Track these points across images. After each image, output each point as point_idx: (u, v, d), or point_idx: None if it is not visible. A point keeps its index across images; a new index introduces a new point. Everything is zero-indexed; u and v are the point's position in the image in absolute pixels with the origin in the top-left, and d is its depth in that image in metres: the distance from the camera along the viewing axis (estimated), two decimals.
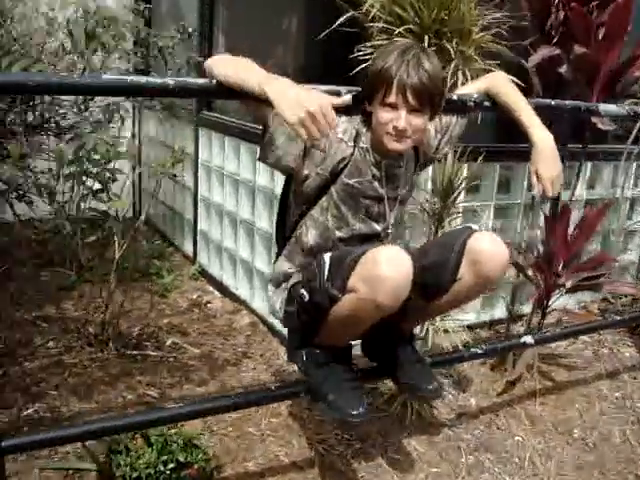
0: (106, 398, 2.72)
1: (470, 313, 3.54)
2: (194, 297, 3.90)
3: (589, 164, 3.59)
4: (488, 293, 2.02)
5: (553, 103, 2.18)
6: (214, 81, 1.60)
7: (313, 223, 1.88)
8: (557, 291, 2.80)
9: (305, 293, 1.79)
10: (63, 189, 3.86)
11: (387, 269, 1.59)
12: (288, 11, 3.24)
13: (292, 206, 1.93)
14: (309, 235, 1.89)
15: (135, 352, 3.15)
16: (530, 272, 2.81)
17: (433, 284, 1.83)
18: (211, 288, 4.00)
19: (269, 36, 3.45)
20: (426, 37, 2.19)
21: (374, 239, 1.92)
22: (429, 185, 2.63)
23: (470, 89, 2.04)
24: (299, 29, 3.13)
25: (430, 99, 1.72)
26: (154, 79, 1.54)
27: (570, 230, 2.75)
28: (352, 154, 1.82)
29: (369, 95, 1.75)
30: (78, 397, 2.71)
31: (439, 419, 2.74)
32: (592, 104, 2.28)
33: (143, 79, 1.52)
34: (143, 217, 3.23)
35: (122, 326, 3.36)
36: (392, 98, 1.70)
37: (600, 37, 2.50)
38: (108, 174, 3.80)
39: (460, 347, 2.56)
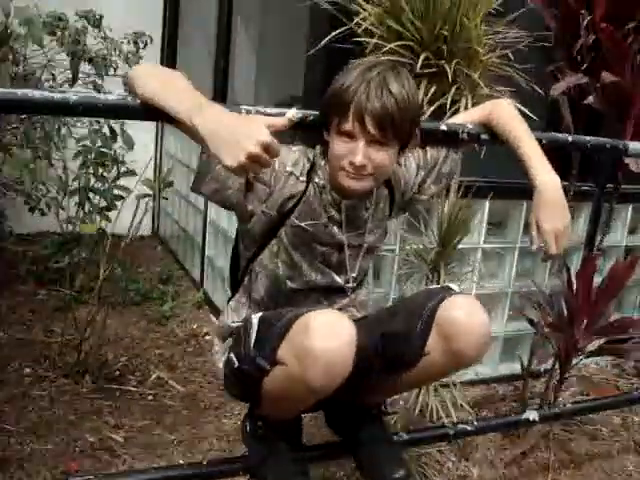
0: (66, 440, 2.48)
1: (487, 365, 3.19)
2: (193, 327, 3.64)
3: (630, 207, 3.20)
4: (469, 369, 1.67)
5: (570, 139, 1.84)
6: (130, 98, 1.34)
7: (263, 270, 1.59)
8: (577, 355, 2.42)
9: (234, 359, 1.50)
10: (68, 204, 3.72)
11: (320, 341, 1.29)
12: (273, 22, 2.97)
13: (241, 248, 1.65)
14: (259, 284, 1.61)
15: (114, 386, 2.91)
16: (548, 330, 2.45)
17: (396, 357, 1.52)
18: (213, 318, 3.75)
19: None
20: (422, 56, 1.88)
21: (336, 293, 1.62)
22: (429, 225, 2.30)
23: (465, 118, 1.73)
24: (290, 42, 2.86)
25: (396, 129, 1.42)
26: (51, 93, 1.28)
27: (597, 283, 2.39)
28: (304, 191, 1.53)
29: (326, 121, 1.47)
30: (35, 436, 2.48)
31: None
32: (619, 142, 1.93)
33: (37, 93, 1.26)
34: (129, 239, 2.99)
35: (109, 355, 3.14)
36: (348, 126, 1.41)
37: (636, 65, 2.14)
38: (116, 191, 3.63)
39: (452, 414, 2.22)
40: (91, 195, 3.61)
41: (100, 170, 3.59)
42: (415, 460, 2.47)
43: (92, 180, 3.57)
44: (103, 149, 3.53)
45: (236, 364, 1.49)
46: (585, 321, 2.34)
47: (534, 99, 2.06)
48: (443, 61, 1.90)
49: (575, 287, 2.35)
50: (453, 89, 1.90)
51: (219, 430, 2.67)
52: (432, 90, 1.88)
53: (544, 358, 2.39)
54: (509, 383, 3.17)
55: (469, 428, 1.88)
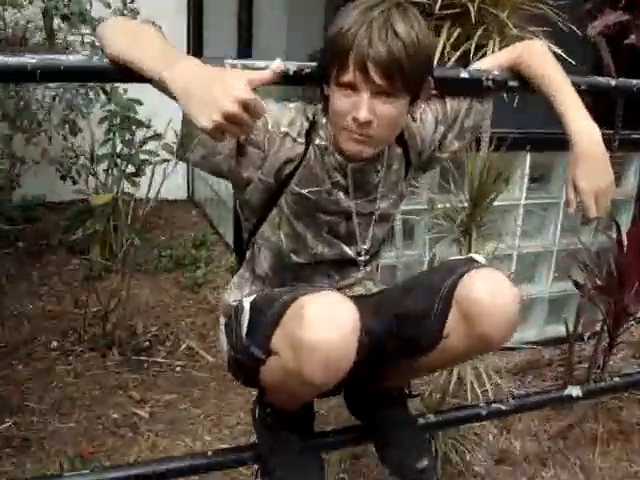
0: (88, 417, 2.41)
1: (532, 328, 3.00)
2: None
3: None
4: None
5: (613, 83, 1.62)
6: (96, 58, 1.19)
7: (265, 243, 1.44)
8: (627, 320, 2.22)
9: (229, 347, 1.36)
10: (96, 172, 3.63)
11: (315, 331, 1.13)
12: None
13: (242, 220, 1.50)
14: (262, 258, 1.46)
15: (142, 357, 2.83)
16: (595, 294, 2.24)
17: (412, 340, 1.35)
18: None
19: None
20: None
21: (349, 267, 1.46)
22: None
23: (492, 62, 1.52)
24: None
25: (405, 77, 1.22)
26: (5, 57, 1.14)
27: None
28: (304, 154, 1.35)
29: (325, 73, 1.29)
30: (59, 414, 2.42)
31: (472, 467, 2.26)
32: None
33: None
34: (152, 203, 2.86)
35: (139, 325, 3.06)
36: (349, 76, 1.23)
37: None
38: (144, 156, 3.51)
39: (487, 386, 2.05)
40: (118, 161, 3.53)
41: (127, 135, 3.49)
42: (452, 433, 2.32)
43: (119, 146, 3.48)
44: (128, 113, 3.42)
45: (231, 352, 1.35)
46: (636, 284, 2.12)
47: (571, 40, 1.83)
48: None
49: (625, 246, 2.13)
50: (479, 31, 1.69)
51: (248, 402, 2.56)
52: (455, 34, 1.67)
53: (590, 324, 2.20)
54: (556, 347, 2.97)
55: (504, 407, 1.71)
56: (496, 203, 1.99)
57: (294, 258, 1.42)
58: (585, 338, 2.70)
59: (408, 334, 1.35)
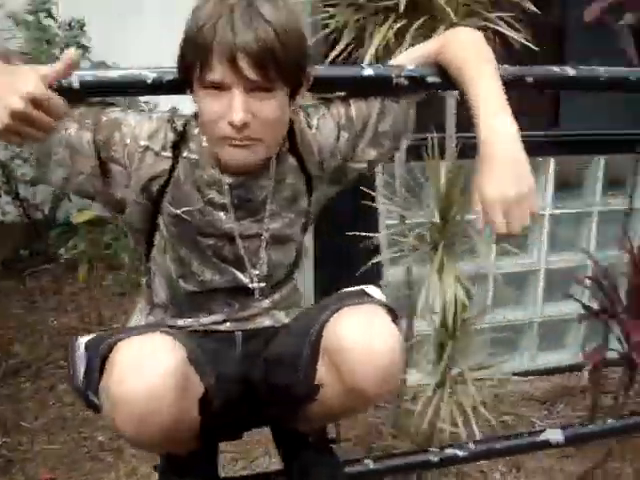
0: (76, 439, 2.36)
1: (568, 350, 2.71)
2: None
3: None
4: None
5: (573, 73, 1.36)
6: None
7: (158, 268, 1.30)
8: None
9: None
10: None
11: (121, 382, 0.99)
12: None
13: (134, 244, 1.37)
14: (157, 285, 1.32)
15: None
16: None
17: (284, 388, 1.18)
18: None
19: None
20: None
21: (247, 295, 1.29)
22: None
23: (411, 55, 1.31)
24: None
25: (281, 66, 1.06)
26: None
27: None
28: (171, 170, 1.20)
29: (185, 77, 1.12)
30: (48, 434, 2.39)
31: None
32: None
33: None
34: None
35: None
36: (215, 74, 1.06)
37: None
38: None
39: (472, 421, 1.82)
40: None
41: None
42: (452, 470, 2.10)
43: None
44: None
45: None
46: None
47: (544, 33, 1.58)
48: None
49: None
50: (419, 21, 1.46)
51: None
52: (398, 25, 1.46)
53: (596, 352, 1.91)
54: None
55: (460, 454, 1.46)
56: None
57: (183, 285, 1.28)
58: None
59: (277, 382, 1.18)
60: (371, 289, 1.20)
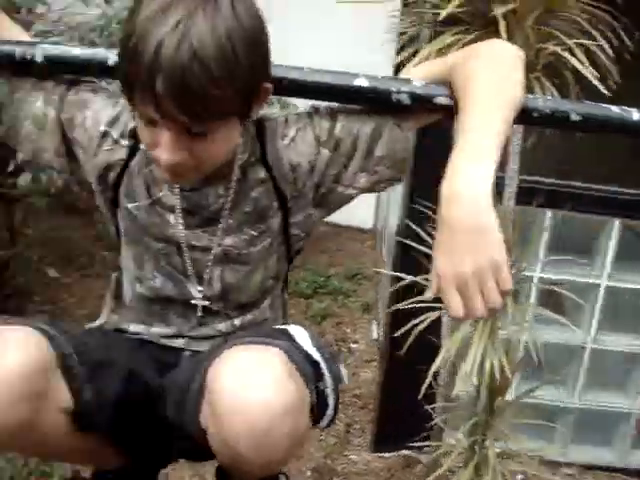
0: None
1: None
2: (347, 330, 3.29)
3: None
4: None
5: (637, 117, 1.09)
6: None
7: (124, 266, 1.22)
8: None
9: None
10: None
11: None
12: None
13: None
14: (125, 282, 1.24)
15: None
16: None
17: (175, 422, 1.06)
18: (373, 327, 3.33)
19: None
20: None
21: (188, 310, 1.17)
22: None
23: (423, 70, 1.12)
24: None
25: (216, 105, 0.90)
26: None
27: None
28: (128, 160, 1.11)
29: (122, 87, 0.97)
30: None
31: None
32: None
33: None
34: None
35: None
36: (143, 107, 0.92)
37: None
38: None
39: None
40: None
41: None
42: None
43: None
44: None
45: None
46: None
47: None
48: None
49: None
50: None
51: None
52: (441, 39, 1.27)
53: None
54: None
55: None
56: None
57: (139, 289, 1.18)
58: None
59: (168, 412, 1.05)
60: (297, 330, 1.03)
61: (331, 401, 1.02)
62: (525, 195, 1.57)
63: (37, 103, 1.11)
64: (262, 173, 1.10)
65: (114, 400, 1.03)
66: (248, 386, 0.88)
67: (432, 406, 1.71)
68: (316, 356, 1.00)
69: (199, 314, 1.15)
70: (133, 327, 1.21)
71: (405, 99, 1.06)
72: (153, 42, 0.87)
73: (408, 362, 1.81)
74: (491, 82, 0.98)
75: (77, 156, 1.13)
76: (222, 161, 1.02)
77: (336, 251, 4.13)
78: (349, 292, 3.59)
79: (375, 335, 3.20)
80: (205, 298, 1.14)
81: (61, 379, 0.97)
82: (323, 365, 1.01)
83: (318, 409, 1.00)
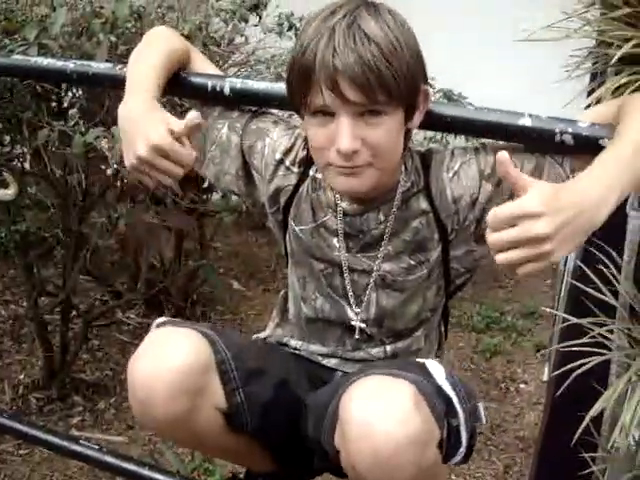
0: None
1: None
2: (517, 370, 3.18)
3: None
4: None
5: None
6: (118, 68, 1.26)
7: (290, 284, 1.32)
8: None
9: None
10: None
11: (134, 361, 1.04)
12: None
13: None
14: (290, 298, 1.33)
15: None
16: None
17: (315, 440, 1.11)
18: (545, 369, 3.20)
19: None
20: None
21: (345, 332, 1.23)
22: None
23: (595, 111, 1.10)
24: None
25: (389, 87, 0.98)
26: (52, 60, 1.29)
27: None
28: (297, 185, 1.19)
29: (293, 102, 1.09)
30: None
31: None
32: None
33: (33, 60, 1.29)
34: None
35: None
36: (320, 98, 1.01)
37: None
38: None
39: None
40: None
41: None
42: None
43: None
44: None
45: None
46: None
47: None
48: None
49: None
50: None
51: None
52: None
53: None
54: None
55: None
56: None
57: (303, 309, 1.26)
58: None
59: (310, 430, 1.10)
60: (433, 365, 1.04)
61: (464, 438, 1.03)
62: None
63: (223, 130, 1.23)
64: (424, 204, 1.14)
65: (264, 406, 1.12)
66: (375, 415, 0.92)
67: (591, 455, 1.61)
68: (449, 392, 1.02)
69: (356, 336, 1.20)
70: (294, 342, 1.29)
71: (569, 140, 1.06)
72: (325, 33, 0.98)
73: (573, 406, 1.73)
74: None
75: (254, 180, 1.24)
76: (390, 161, 1.07)
77: (514, 286, 4.03)
78: (523, 330, 3.49)
79: (546, 377, 3.07)
80: (362, 321, 1.19)
81: (217, 380, 1.07)
82: (456, 401, 1.02)
83: (450, 445, 1.01)
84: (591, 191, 0.88)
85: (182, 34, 1.49)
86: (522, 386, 3.08)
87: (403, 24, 1.02)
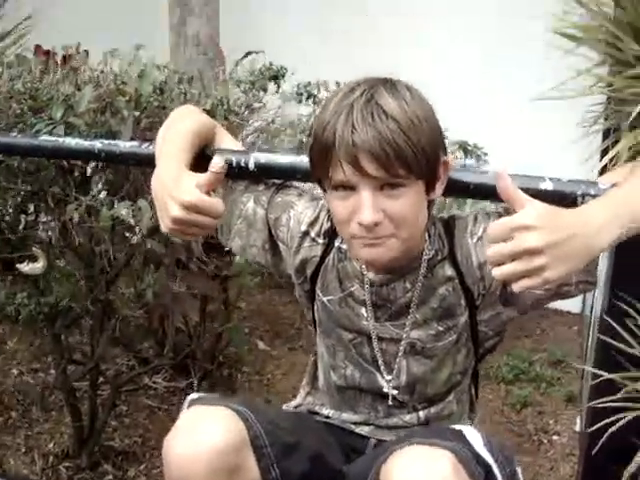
0: None
1: None
2: (549, 422, 3.13)
3: None
4: None
5: None
6: (144, 146, 1.30)
7: (319, 352, 1.33)
8: None
9: None
10: None
11: (168, 442, 1.04)
12: None
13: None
14: (319, 366, 1.34)
15: None
16: None
17: None
18: (577, 421, 3.14)
19: None
20: None
21: (377, 399, 1.23)
22: None
23: (614, 172, 1.12)
24: None
25: (407, 162, 1.01)
26: (79, 140, 1.33)
27: None
28: (323, 256, 1.21)
29: (317, 175, 1.13)
30: None
31: None
32: None
33: (61, 140, 1.34)
34: None
35: None
36: (341, 174, 1.05)
37: None
38: None
39: None
40: None
41: None
42: None
43: None
44: None
45: None
46: None
47: None
48: None
49: None
50: None
51: None
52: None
53: None
54: None
55: None
56: None
57: (333, 376, 1.27)
58: None
59: None
60: (470, 431, 1.04)
61: None
62: None
63: (249, 204, 1.26)
64: (450, 271, 1.15)
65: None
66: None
67: None
68: (488, 459, 1.02)
69: (389, 403, 1.20)
70: (325, 411, 1.29)
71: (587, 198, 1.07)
72: (344, 110, 1.02)
73: (608, 460, 1.70)
74: None
75: (280, 252, 1.26)
76: (413, 232, 1.09)
77: (541, 334, 3.99)
78: (553, 380, 3.44)
79: (579, 428, 3.01)
80: (393, 388, 1.20)
81: (252, 457, 1.07)
82: (495, 468, 1.02)
83: None
84: (593, 218, 0.92)
85: (204, 109, 1.54)
86: (555, 437, 3.03)
87: (421, 99, 1.05)
